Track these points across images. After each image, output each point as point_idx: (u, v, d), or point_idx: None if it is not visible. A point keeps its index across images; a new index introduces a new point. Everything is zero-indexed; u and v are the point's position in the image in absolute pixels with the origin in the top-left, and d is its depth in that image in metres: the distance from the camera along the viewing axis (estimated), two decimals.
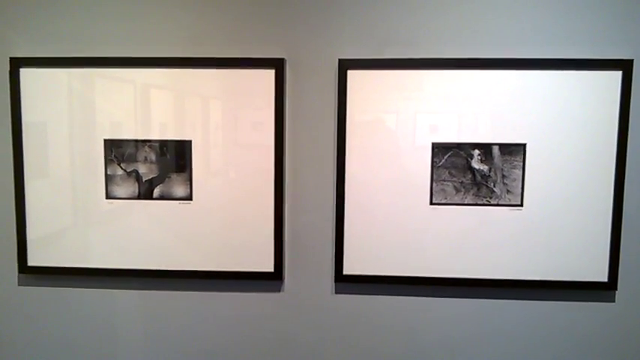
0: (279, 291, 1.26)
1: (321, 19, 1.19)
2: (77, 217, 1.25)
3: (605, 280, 1.20)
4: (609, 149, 1.17)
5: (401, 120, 1.20)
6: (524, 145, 1.18)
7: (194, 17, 1.20)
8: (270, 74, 1.20)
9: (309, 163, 1.22)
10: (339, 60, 1.19)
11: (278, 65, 1.19)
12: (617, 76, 1.15)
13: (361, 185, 1.21)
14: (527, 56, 1.16)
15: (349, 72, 1.19)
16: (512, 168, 1.19)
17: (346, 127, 1.20)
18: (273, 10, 1.19)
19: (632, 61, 1.14)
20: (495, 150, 1.19)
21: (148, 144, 1.23)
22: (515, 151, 1.19)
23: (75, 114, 1.22)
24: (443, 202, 1.20)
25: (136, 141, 1.23)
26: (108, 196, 1.24)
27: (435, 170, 1.20)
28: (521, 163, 1.19)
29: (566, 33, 1.15)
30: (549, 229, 1.19)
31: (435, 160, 1.20)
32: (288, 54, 1.21)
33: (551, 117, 1.17)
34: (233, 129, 1.21)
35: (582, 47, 1.15)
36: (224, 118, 1.21)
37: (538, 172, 1.18)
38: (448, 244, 1.21)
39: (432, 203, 1.20)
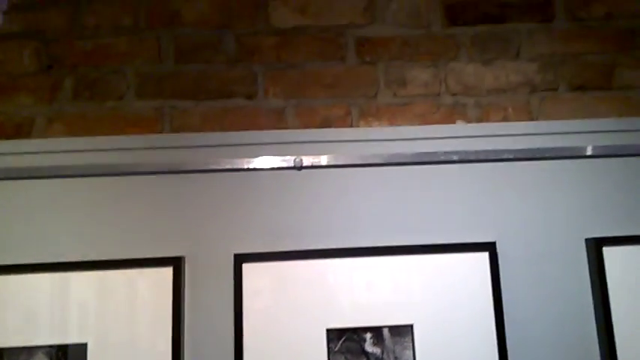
0: None
1: (218, 216, 1.28)
2: None
3: None
4: (488, 322, 1.25)
5: (296, 308, 1.26)
6: (411, 326, 1.26)
7: (92, 219, 1.27)
8: (168, 271, 1.26)
9: (208, 357, 1.24)
10: (235, 254, 1.26)
11: (177, 263, 1.26)
12: (484, 256, 1.28)
13: None
14: (408, 243, 1.27)
15: (244, 265, 1.27)
16: (403, 349, 1.25)
17: (243, 318, 1.25)
18: (172, 212, 1.28)
19: (494, 243, 1.27)
20: (386, 332, 1.25)
21: (42, 350, 1.22)
22: (403, 332, 1.25)
23: None
24: None
25: (28, 348, 1.22)
26: None
27: (331, 356, 1.24)
28: (411, 344, 1.25)
29: (441, 221, 1.28)
30: None
31: (330, 345, 1.25)
32: (187, 252, 1.28)
33: (433, 297, 1.26)
34: (130, 328, 1.23)
35: (455, 233, 1.28)
36: (122, 317, 1.23)
37: (427, 352, 1.24)
38: None
39: None
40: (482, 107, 1.37)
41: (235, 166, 1.29)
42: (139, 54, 1.39)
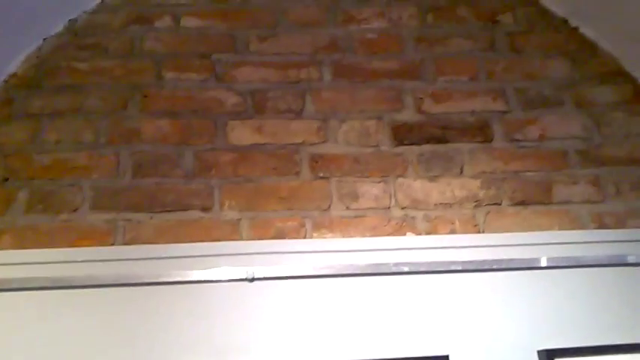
0: None
1: (162, 330, 1.24)
2: None
3: None
4: None
5: None
6: None
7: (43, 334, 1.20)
8: None
9: None
10: None
11: None
12: None
13: None
14: (361, 357, 1.24)
15: None
16: None
17: None
18: (125, 325, 1.23)
19: (447, 356, 1.25)
20: None
21: None
22: None
23: None
24: None
25: None
26: None
27: None
28: None
29: (394, 334, 1.27)
30: None
31: None
32: None
33: None
34: None
35: (408, 346, 1.26)
36: None
37: None
38: None
39: None
40: (431, 220, 1.42)
41: (186, 279, 1.28)
42: (97, 168, 1.42)
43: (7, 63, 1.51)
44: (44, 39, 1.57)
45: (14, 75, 1.53)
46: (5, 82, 1.51)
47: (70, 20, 1.61)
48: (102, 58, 1.56)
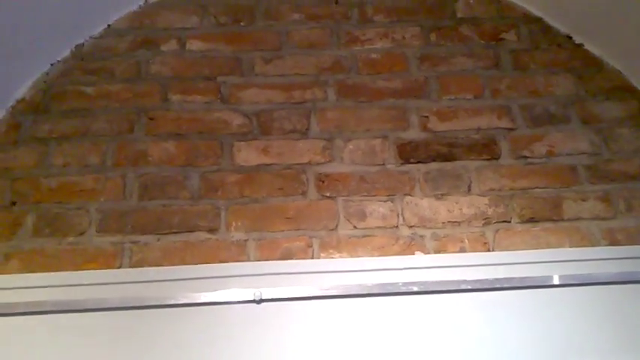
0: None
1: (174, 351, 1.22)
2: None
3: None
4: None
5: None
6: None
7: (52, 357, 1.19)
8: None
9: None
10: None
11: None
12: None
13: None
14: None
15: None
16: None
17: None
18: (128, 348, 1.21)
19: None
20: None
21: None
22: None
23: None
24: None
25: None
26: None
27: None
28: None
29: (404, 355, 1.24)
30: None
31: None
32: None
33: None
34: None
35: None
36: None
37: None
38: None
39: None
40: (440, 239, 1.41)
41: (193, 301, 1.27)
42: (104, 191, 1.43)
43: (14, 88, 1.53)
44: (51, 64, 1.59)
45: (22, 100, 1.55)
46: (13, 107, 1.53)
47: (76, 45, 1.63)
48: (108, 81, 1.58)
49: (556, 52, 1.69)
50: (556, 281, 1.32)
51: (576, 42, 1.70)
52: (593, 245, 1.41)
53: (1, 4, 1.34)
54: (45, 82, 1.57)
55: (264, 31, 1.68)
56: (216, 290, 1.28)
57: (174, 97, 1.56)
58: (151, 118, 1.52)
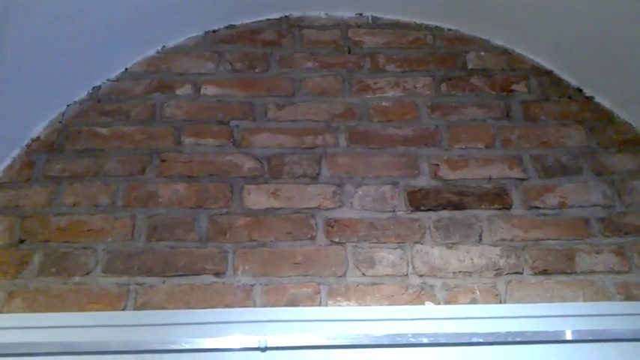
0: None
1: None
2: None
3: None
4: None
5: None
6: None
7: None
8: None
9: None
10: None
11: None
12: None
13: None
14: None
15: None
16: None
17: None
18: None
19: None
20: None
21: None
22: None
23: None
24: None
25: None
26: None
27: None
28: None
29: None
30: None
31: None
32: None
33: None
34: None
35: None
36: None
37: None
38: None
39: None
40: (450, 289, 1.38)
41: (196, 347, 1.24)
42: (113, 231, 1.42)
43: (30, 127, 1.55)
44: (68, 105, 1.62)
45: (37, 139, 1.57)
46: (28, 145, 1.55)
47: (93, 87, 1.66)
48: (123, 123, 1.60)
49: (567, 104, 1.70)
50: (570, 336, 1.28)
51: (587, 94, 1.71)
52: (607, 299, 1.37)
53: (23, 46, 1.37)
54: (61, 122, 1.60)
55: (278, 78, 1.71)
56: (220, 336, 1.25)
57: (187, 140, 1.58)
58: (163, 160, 1.54)
